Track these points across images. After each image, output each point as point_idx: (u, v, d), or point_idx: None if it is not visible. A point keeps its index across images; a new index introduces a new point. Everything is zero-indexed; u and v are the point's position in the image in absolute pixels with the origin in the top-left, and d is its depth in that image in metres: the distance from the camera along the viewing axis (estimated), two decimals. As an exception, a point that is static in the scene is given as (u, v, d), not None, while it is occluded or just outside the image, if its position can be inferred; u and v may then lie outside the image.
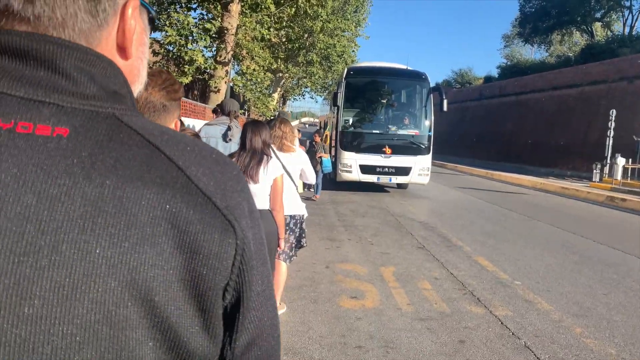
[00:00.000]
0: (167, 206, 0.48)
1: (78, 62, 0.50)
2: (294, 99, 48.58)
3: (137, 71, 0.60)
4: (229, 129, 4.51)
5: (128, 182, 0.47)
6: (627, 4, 35.38)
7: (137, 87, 0.61)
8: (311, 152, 10.53)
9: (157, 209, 0.47)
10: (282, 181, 3.57)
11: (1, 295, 0.42)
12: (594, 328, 4.36)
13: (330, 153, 14.38)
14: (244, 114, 20.11)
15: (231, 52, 14.16)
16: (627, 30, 35.67)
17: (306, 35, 22.15)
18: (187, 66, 12.94)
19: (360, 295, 4.90)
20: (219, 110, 7.59)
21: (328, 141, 14.71)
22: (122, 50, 0.56)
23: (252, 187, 3.29)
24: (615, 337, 4.19)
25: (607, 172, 20.21)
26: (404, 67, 14.47)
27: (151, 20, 0.64)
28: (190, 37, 13.14)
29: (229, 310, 0.52)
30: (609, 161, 20.37)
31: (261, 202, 3.42)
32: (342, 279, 5.39)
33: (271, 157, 3.49)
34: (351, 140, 13.33)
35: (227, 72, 14.41)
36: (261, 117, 18.89)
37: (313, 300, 4.66)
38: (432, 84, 13.92)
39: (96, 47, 0.53)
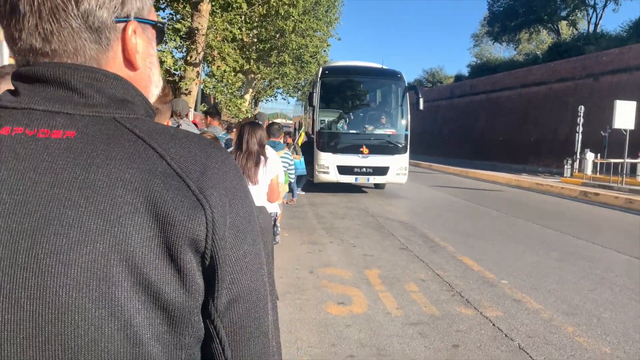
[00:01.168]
0: (147, 188, 0.58)
1: (85, 79, 0.63)
2: (265, 100, 48.16)
3: (147, 78, 0.72)
4: (178, 126, 4.61)
5: (116, 169, 0.59)
6: (592, 2, 36.29)
7: (153, 90, 0.75)
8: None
9: (138, 190, 0.58)
10: (277, 180, 3.86)
11: (25, 248, 0.55)
12: (585, 326, 4.29)
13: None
14: (220, 115, 19.69)
15: (202, 53, 13.82)
16: (592, 28, 36.58)
17: (278, 36, 21.91)
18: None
19: (347, 300, 4.73)
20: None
21: (300, 142, 14.52)
22: (129, 63, 0.69)
23: (250, 187, 3.44)
24: (608, 335, 4.13)
25: (577, 168, 20.60)
26: (379, 66, 14.40)
27: (159, 31, 0.74)
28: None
29: (209, 274, 0.62)
30: (578, 157, 20.78)
31: (257, 199, 3.58)
32: (327, 284, 5.22)
33: (267, 157, 3.63)
34: (328, 141, 13.17)
35: (198, 73, 14.07)
36: (234, 120, 18.54)
37: (299, 308, 4.47)
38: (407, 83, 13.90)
39: (105, 66, 0.66)
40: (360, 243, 7.33)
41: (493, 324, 4.25)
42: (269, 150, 3.98)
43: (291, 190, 10.93)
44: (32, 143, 0.59)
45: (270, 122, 7.18)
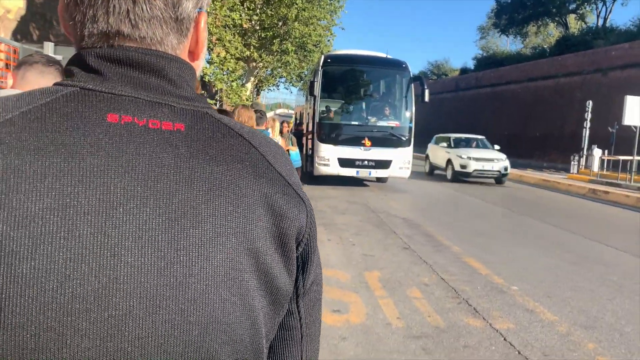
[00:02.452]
0: (260, 182, 0.61)
1: (178, 70, 0.62)
2: (268, 89, 47.64)
3: (199, 68, 0.71)
4: None
5: (235, 165, 0.60)
6: (601, -5, 35.55)
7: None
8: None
9: (254, 184, 0.60)
10: None
11: (165, 240, 0.54)
12: (607, 342, 3.87)
13: (306, 145, 13.75)
14: (216, 104, 19.23)
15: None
16: (600, 22, 35.87)
17: (280, 24, 21.36)
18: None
19: (344, 308, 4.31)
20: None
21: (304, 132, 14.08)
22: (192, 54, 0.68)
23: None
24: (633, 354, 3.70)
25: (583, 164, 20.12)
26: (383, 55, 13.89)
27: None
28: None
29: (302, 258, 0.67)
30: (585, 153, 20.29)
31: None
32: (324, 288, 4.79)
33: None
34: (329, 132, 12.71)
35: (197, 60, 13.59)
36: (232, 108, 18.08)
37: (290, 316, 4.05)
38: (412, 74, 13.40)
39: (180, 55, 0.65)
40: (360, 241, 6.91)
41: (504, 338, 3.83)
42: None
43: None
44: (145, 134, 0.57)
45: (254, 110, 6.78)
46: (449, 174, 16.93)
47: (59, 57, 2.36)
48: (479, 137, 18.84)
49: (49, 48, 5.31)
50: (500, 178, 16.24)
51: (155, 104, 0.59)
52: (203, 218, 0.56)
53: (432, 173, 18.94)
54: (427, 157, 19.67)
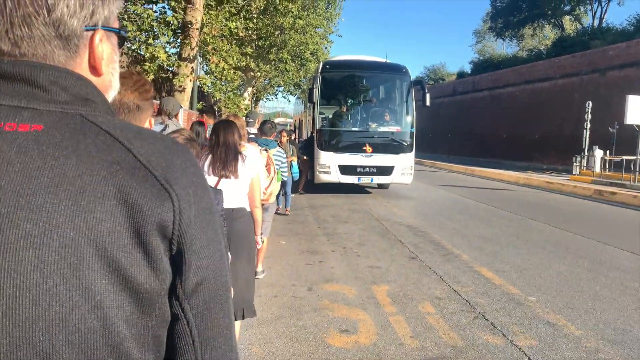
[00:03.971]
0: (115, 177, 0.60)
1: (50, 77, 0.64)
2: (266, 99, 47.49)
3: (109, 83, 0.74)
4: (165, 127, 4.49)
5: (86, 160, 0.60)
6: (596, -4, 35.48)
7: (111, 93, 0.76)
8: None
9: (107, 179, 0.60)
10: (258, 180, 3.62)
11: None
12: None
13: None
14: (216, 114, 18.98)
15: (196, 48, 13.09)
16: (596, 22, 35.77)
17: (277, 33, 21.17)
18: (147, 64, 11.83)
19: (352, 327, 4.01)
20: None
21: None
22: (94, 69, 0.70)
23: (231, 183, 3.32)
24: (670, 371, 3.41)
25: (584, 165, 19.86)
26: (383, 60, 13.65)
27: (121, 39, 0.76)
28: (150, 33, 12.02)
29: (176, 259, 0.64)
30: (586, 153, 20.03)
31: (239, 199, 3.40)
32: (329, 305, 4.50)
33: (246, 156, 3.43)
34: (329, 139, 12.44)
35: (192, 69, 13.33)
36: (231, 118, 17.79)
37: (294, 339, 3.74)
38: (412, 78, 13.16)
39: (72, 69, 0.67)
40: (365, 252, 6.61)
41: (529, 358, 3.53)
42: (249, 148, 3.62)
43: (284, 196, 9.79)
44: (0, 136, 0.60)
45: (263, 120, 6.55)
46: None
47: None
48: None
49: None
50: None
51: (17, 109, 0.62)
52: (40, 211, 0.57)
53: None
54: None
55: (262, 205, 5.18)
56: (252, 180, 3.51)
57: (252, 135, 5.98)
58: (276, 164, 5.60)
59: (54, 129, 0.62)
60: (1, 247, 0.55)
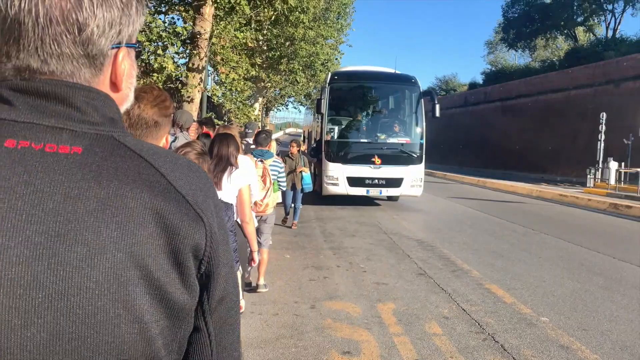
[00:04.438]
0: (154, 201, 0.63)
1: (85, 98, 0.66)
2: (277, 109, 47.62)
3: (125, 97, 0.76)
4: (175, 139, 4.47)
5: (126, 184, 0.63)
6: (610, 7, 35.15)
7: (125, 106, 0.77)
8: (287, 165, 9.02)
9: (147, 203, 0.62)
10: (248, 192, 3.56)
11: (44, 262, 0.57)
12: (659, 387, 3.36)
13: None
14: (226, 123, 18.94)
15: (205, 59, 13.08)
16: (610, 33, 35.41)
17: (287, 43, 21.18)
18: (155, 74, 11.84)
19: (354, 349, 3.83)
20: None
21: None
22: (114, 85, 0.72)
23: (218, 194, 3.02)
24: (693, 402, 3.19)
25: (599, 177, 19.49)
26: (392, 71, 13.52)
27: (137, 54, 0.78)
28: (159, 43, 12.03)
29: (205, 277, 0.68)
30: (601, 165, 19.67)
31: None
32: (332, 324, 4.33)
33: (237, 167, 3.42)
34: (337, 151, 12.30)
35: (201, 79, 13.31)
36: (241, 128, 17.76)
37: (294, 361, 3.59)
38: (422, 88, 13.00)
39: (96, 86, 0.69)
40: (372, 267, 6.43)
41: (541, 385, 3.33)
42: (242, 159, 3.57)
43: (294, 211, 9.57)
44: (41, 157, 0.61)
45: (258, 130, 6.46)
46: None
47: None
48: None
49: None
50: None
51: (56, 129, 0.63)
52: (87, 235, 0.59)
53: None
54: None
55: (260, 217, 5.09)
56: (242, 193, 3.46)
57: (253, 146, 5.88)
58: (273, 175, 5.50)
59: (92, 152, 0.64)
60: (56, 269, 0.57)
